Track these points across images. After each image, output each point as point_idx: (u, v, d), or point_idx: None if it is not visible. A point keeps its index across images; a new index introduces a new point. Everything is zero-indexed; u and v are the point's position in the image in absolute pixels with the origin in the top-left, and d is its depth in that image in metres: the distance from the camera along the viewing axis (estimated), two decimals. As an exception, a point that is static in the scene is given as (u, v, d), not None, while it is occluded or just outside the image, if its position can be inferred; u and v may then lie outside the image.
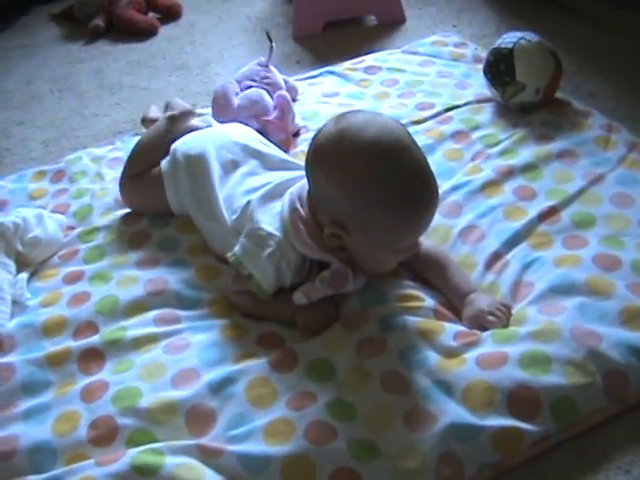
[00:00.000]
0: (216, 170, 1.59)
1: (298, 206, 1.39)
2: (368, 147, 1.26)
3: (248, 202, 1.47)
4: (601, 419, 1.21)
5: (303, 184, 1.43)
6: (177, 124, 1.80)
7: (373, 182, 1.25)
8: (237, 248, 1.42)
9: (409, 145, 1.29)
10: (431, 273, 1.46)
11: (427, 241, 1.49)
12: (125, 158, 1.89)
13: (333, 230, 1.32)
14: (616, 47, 2.38)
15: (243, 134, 1.72)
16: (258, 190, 1.50)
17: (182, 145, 1.69)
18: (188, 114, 1.84)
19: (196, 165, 1.62)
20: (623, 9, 2.60)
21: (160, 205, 1.69)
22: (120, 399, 1.27)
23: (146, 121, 2.02)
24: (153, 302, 1.48)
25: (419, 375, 1.25)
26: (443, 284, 1.44)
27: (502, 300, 1.39)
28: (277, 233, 1.38)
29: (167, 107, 1.91)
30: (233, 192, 1.55)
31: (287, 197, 1.43)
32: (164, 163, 1.69)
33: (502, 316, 1.35)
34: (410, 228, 1.32)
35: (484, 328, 1.33)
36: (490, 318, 1.34)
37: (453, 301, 1.42)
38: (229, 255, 1.42)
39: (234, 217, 1.50)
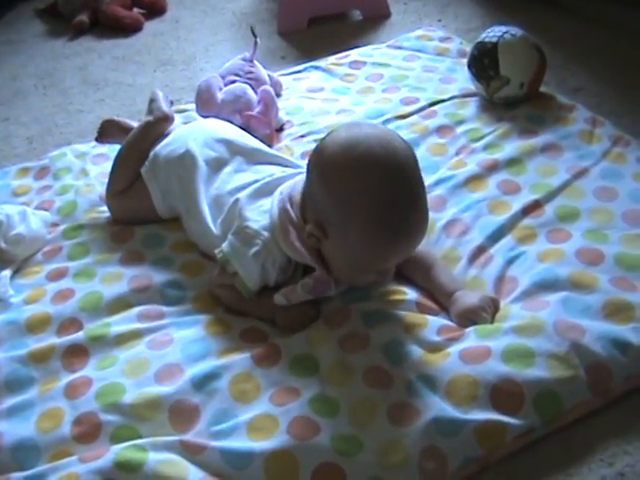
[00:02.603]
0: (202, 170, 1.58)
1: (288, 207, 1.38)
2: (370, 165, 1.24)
3: (236, 200, 1.47)
4: (584, 412, 1.22)
5: (294, 183, 1.43)
6: (153, 130, 1.74)
7: (362, 198, 1.24)
8: (225, 245, 1.42)
9: (411, 174, 1.27)
10: (416, 273, 1.45)
11: None
12: (109, 154, 1.89)
13: (313, 230, 1.31)
14: (602, 42, 2.39)
15: (222, 129, 1.71)
16: (246, 188, 1.50)
17: (163, 148, 1.67)
18: (165, 120, 1.77)
19: (181, 167, 1.61)
20: (609, 4, 2.60)
21: (149, 214, 1.67)
22: (103, 395, 1.27)
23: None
24: (137, 298, 1.48)
25: (402, 370, 1.25)
26: (428, 284, 1.44)
27: (489, 294, 1.39)
28: (264, 232, 1.38)
29: (151, 102, 1.84)
30: (221, 192, 1.54)
31: (277, 196, 1.42)
32: (144, 170, 1.66)
33: (491, 311, 1.36)
34: (384, 254, 1.30)
35: (474, 323, 1.33)
36: (484, 314, 1.34)
37: (440, 299, 1.42)
38: (217, 251, 1.42)
39: (220, 219, 1.50)
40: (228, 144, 1.63)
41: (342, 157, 1.26)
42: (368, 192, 1.24)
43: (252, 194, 1.47)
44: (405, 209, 1.25)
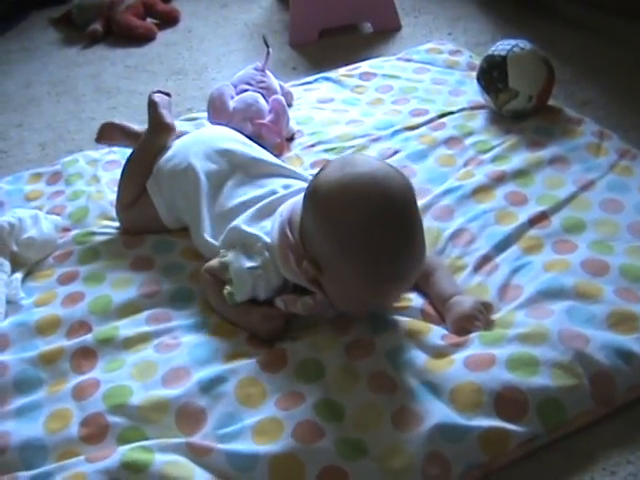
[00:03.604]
0: (204, 185, 1.59)
1: (287, 232, 1.38)
2: (366, 209, 1.24)
3: (234, 227, 1.47)
4: (588, 421, 1.22)
5: (293, 205, 1.43)
6: (155, 143, 1.73)
7: (356, 240, 1.24)
8: (231, 252, 1.42)
9: (408, 214, 1.28)
10: (419, 278, 1.43)
11: None
12: (121, 161, 1.90)
13: (308, 268, 1.31)
14: (610, 56, 2.40)
15: (223, 138, 1.71)
16: (248, 208, 1.50)
17: (165, 162, 1.68)
18: (166, 131, 1.74)
19: (185, 182, 1.62)
20: (618, 18, 2.61)
21: (157, 225, 1.68)
22: (111, 397, 1.28)
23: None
24: (146, 303, 1.49)
25: (407, 375, 1.26)
26: (429, 289, 1.44)
27: (483, 300, 1.40)
28: (265, 252, 1.39)
29: (150, 108, 1.78)
30: (223, 208, 1.55)
31: (277, 218, 1.42)
32: (149, 185, 1.68)
33: (484, 318, 1.36)
34: (380, 292, 1.31)
35: (467, 332, 1.33)
36: (476, 322, 1.34)
37: (437, 306, 1.42)
38: (222, 251, 1.43)
39: (223, 235, 1.50)
40: (229, 155, 1.64)
41: (335, 198, 1.26)
42: (362, 234, 1.24)
43: (253, 215, 1.48)
44: (400, 250, 1.25)
